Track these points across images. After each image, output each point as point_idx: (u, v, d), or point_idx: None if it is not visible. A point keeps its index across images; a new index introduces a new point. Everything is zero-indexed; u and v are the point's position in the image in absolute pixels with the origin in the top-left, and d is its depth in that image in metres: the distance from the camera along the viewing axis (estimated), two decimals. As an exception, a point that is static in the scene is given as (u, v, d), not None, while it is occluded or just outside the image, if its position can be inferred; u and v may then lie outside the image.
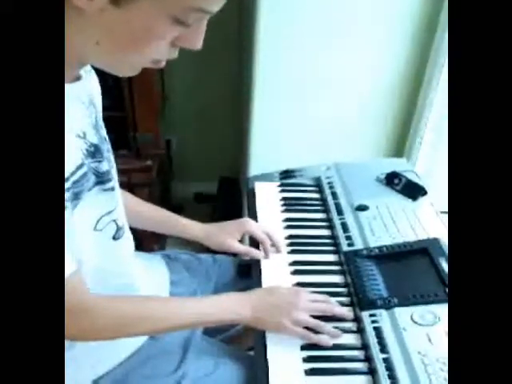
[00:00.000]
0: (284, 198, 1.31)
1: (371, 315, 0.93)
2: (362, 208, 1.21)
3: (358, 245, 1.11)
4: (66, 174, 0.72)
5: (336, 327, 0.93)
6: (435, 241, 1.06)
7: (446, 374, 0.79)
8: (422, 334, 0.87)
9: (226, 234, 1.15)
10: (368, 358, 0.88)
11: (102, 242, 0.86)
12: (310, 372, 0.86)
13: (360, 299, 0.97)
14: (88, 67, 0.86)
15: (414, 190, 1.25)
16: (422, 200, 1.24)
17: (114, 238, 0.89)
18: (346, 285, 1.04)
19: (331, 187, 1.31)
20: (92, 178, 0.80)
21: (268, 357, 0.89)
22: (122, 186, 0.98)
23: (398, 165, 1.37)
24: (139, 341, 0.99)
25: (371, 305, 0.95)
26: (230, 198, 2.31)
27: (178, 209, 1.19)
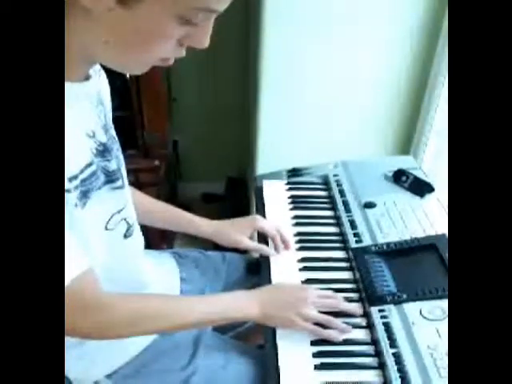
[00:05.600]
0: (292, 196, 1.32)
1: (380, 310, 0.93)
2: (370, 205, 1.22)
3: (366, 241, 1.11)
4: (75, 172, 0.73)
5: (345, 323, 0.93)
6: (443, 236, 1.06)
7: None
8: (431, 329, 0.88)
9: (237, 231, 1.16)
10: (377, 353, 0.88)
11: (113, 240, 0.87)
12: (320, 367, 0.87)
13: (369, 295, 0.97)
14: (97, 67, 0.87)
15: (421, 187, 1.25)
16: (429, 197, 1.24)
17: (126, 236, 0.90)
18: (354, 281, 1.04)
19: (339, 185, 1.32)
20: (101, 177, 0.81)
21: (278, 352, 0.90)
22: (131, 185, 0.99)
23: (404, 162, 1.38)
24: (150, 337, 1.00)
25: (380, 300, 0.95)
26: (237, 198, 2.32)
27: (185, 209, 1.20)
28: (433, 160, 1.74)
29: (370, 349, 0.90)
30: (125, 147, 0.96)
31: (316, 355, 0.89)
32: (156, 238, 1.85)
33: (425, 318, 0.90)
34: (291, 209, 1.28)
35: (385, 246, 1.08)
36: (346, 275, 1.07)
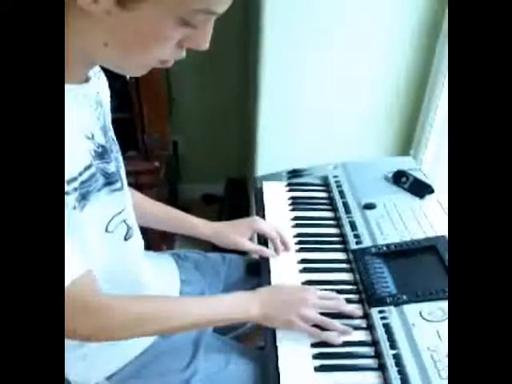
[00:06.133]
0: (292, 198, 1.32)
1: (380, 312, 0.93)
2: (370, 206, 1.22)
3: (366, 243, 1.11)
4: (74, 174, 0.72)
5: (345, 324, 0.93)
6: (443, 238, 1.06)
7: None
8: (432, 330, 0.88)
9: (236, 233, 1.16)
10: (378, 355, 0.88)
11: (113, 242, 0.87)
12: (320, 368, 0.87)
13: (369, 296, 0.97)
14: (97, 68, 0.87)
15: (421, 188, 1.25)
16: (429, 198, 1.24)
17: (126, 238, 0.90)
18: (354, 282, 1.04)
19: (339, 186, 1.32)
20: (100, 179, 0.81)
21: (278, 353, 0.90)
22: (130, 187, 0.99)
23: (404, 163, 1.38)
24: (150, 339, 0.99)
25: (380, 302, 0.95)
26: (236, 200, 2.32)
27: (184, 210, 1.20)
28: (433, 161, 1.74)
29: (370, 350, 0.90)
30: (125, 149, 0.96)
31: (316, 357, 0.89)
32: (156, 239, 1.85)
33: (425, 319, 0.90)
34: (291, 210, 1.28)
35: (385, 248, 1.08)
36: (346, 276, 1.07)
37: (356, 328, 0.94)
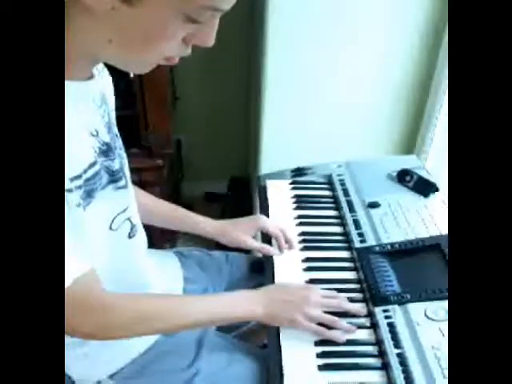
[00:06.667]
0: (296, 196, 1.32)
1: (384, 311, 0.93)
2: (374, 205, 1.22)
3: (371, 241, 1.11)
4: (79, 172, 0.72)
5: (349, 323, 0.93)
6: (447, 237, 1.06)
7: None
8: (436, 329, 0.87)
9: (240, 231, 1.15)
10: (382, 354, 0.88)
11: (117, 240, 0.86)
12: (324, 367, 0.87)
13: (373, 295, 0.97)
14: (100, 65, 0.86)
15: (425, 187, 1.25)
16: (433, 196, 1.24)
17: (130, 236, 0.90)
18: (358, 281, 1.04)
19: (342, 184, 1.32)
20: (105, 177, 0.80)
21: (282, 352, 0.89)
22: (133, 184, 0.99)
23: (408, 162, 1.37)
24: (153, 337, 0.99)
25: (384, 300, 0.95)
26: (240, 198, 2.32)
27: (187, 208, 1.20)
28: (437, 160, 1.74)
29: (374, 349, 0.90)
30: (128, 146, 0.96)
31: (320, 356, 0.89)
32: (159, 237, 1.85)
33: (429, 318, 0.90)
34: (295, 208, 1.28)
35: (389, 246, 1.08)
36: (350, 275, 1.06)
37: (360, 327, 0.93)
